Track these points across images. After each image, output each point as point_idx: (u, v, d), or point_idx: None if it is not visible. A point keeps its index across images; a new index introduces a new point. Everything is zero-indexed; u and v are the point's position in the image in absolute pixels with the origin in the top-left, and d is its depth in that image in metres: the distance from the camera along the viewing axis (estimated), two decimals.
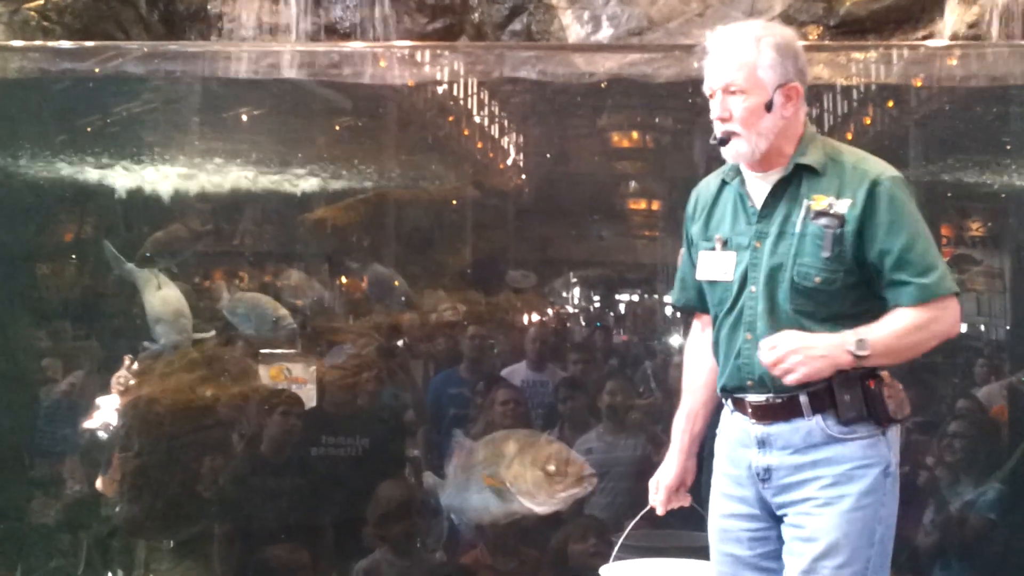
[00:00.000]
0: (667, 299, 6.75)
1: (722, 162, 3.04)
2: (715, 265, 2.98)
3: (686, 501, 3.23)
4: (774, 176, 2.90)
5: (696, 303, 3.17)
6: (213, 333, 6.29)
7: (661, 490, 3.18)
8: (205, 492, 5.68)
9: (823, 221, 2.79)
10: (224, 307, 6.35)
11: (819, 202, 2.81)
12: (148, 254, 6.30)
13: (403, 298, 6.57)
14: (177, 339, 5.97)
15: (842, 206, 2.79)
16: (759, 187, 2.93)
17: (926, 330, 2.79)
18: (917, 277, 2.75)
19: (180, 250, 6.51)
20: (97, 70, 5.71)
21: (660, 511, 3.23)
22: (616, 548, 3.44)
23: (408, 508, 5.58)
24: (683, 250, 3.20)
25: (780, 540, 2.91)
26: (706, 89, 2.91)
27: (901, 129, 6.05)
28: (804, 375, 2.72)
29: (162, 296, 6.05)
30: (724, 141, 2.87)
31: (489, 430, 5.65)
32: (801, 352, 2.71)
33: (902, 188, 2.83)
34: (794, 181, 2.88)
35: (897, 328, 2.75)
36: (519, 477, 4.97)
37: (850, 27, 5.01)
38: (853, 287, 2.82)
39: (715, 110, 2.88)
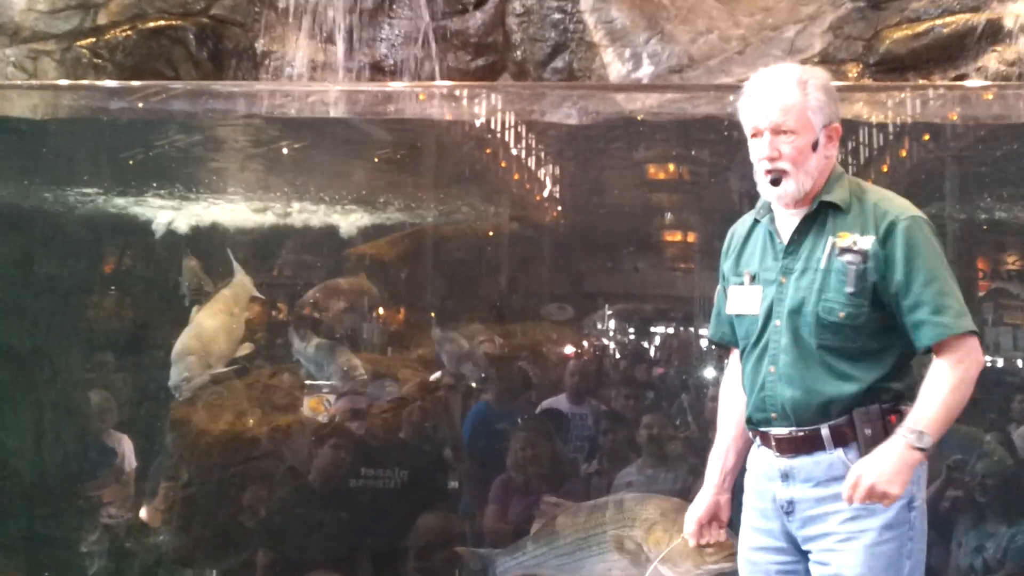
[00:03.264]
0: (704, 331, 6.77)
1: (758, 197, 3.10)
2: (743, 299, 3.04)
3: (721, 536, 3.24)
4: (802, 212, 2.96)
5: (730, 338, 3.21)
6: (234, 368, 6.30)
7: (692, 523, 3.21)
8: (250, 522, 5.73)
9: (847, 257, 2.84)
10: (299, 350, 6.38)
11: (844, 239, 2.87)
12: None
13: (482, 373, 6.52)
14: (177, 380, 5.94)
15: (865, 243, 2.84)
16: (787, 223, 3.00)
17: (963, 383, 2.78)
18: (933, 315, 2.79)
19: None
20: (141, 104, 5.78)
21: (691, 543, 3.27)
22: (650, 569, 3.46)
23: (448, 541, 5.58)
24: (719, 287, 3.24)
25: (808, 575, 2.93)
26: (749, 129, 2.96)
27: (939, 166, 6.07)
28: (900, 493, 2.71)
29: (180, 336, 6.11)
30: (776, 181, 2.91)
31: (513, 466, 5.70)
32: (878, 479, 2.70)
33: (922, 228, 2.87)
34: (819, 218, 2.94)
35: (940, 399, 2.75)
36: (661, 543, 4.68)
37: (890, 65, 5.03)
38: (877, 324, 2.86)
39: (762, 150, 2.92)
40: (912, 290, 2.80)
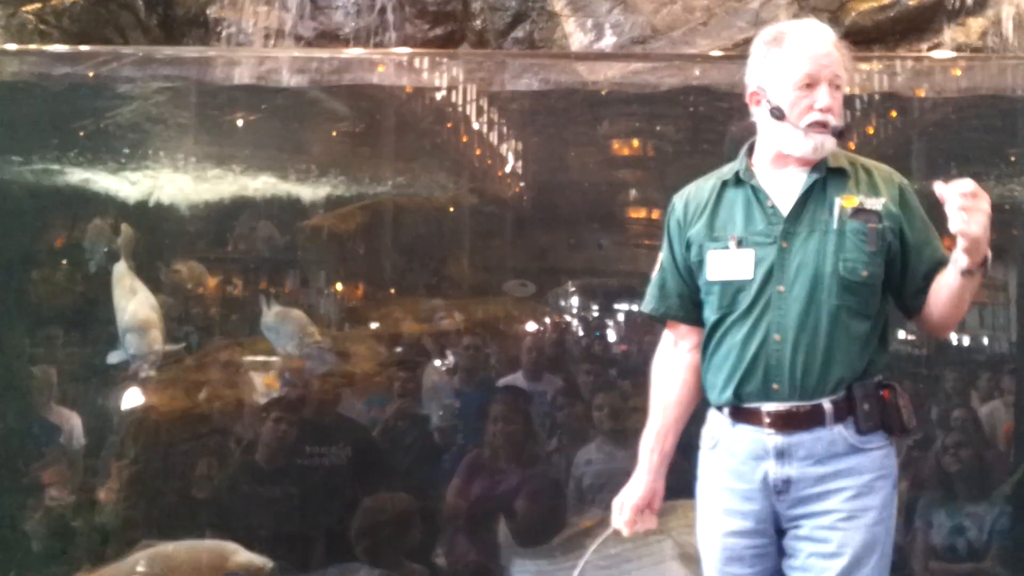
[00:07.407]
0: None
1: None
2: (730, 264, 2.91)
3: (652, 523, 3.11)
4: (798, 175, 2.91)
5: (676, 312, 3.07)
6: (183, 346, 6.18)
7: (627, 510, 3.06)
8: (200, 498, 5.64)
9: (863, 218, 2.85)
10: (263, 321, 6.26)
11: (851, 201, 2.87)
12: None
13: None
14: (146, 351, 5.82)
15: (875, 204, 2.87)
16: (779, 186, 2.93)
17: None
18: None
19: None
20: (92, 73, 5.63)
21: (625, 532, 3.11)
22: (580, 566, 3.41)
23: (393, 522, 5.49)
24: (662, 257, 3.11)
25: (779, 555, 2.88)
26: (800, 76, 2.86)
27: (905, 139, 6.04)
28: (980, 231, 2.63)
29: (135, 305, 5.93)
30: (841, 133, 2.89)
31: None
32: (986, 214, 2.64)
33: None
34: (819, 180, 2.91)
35: None
36: None
37: (855, 38, 4.96)
38: (883, 283, 2.89)
39: (821, 99, 2.85)
40: (935, 243, 2.89)
